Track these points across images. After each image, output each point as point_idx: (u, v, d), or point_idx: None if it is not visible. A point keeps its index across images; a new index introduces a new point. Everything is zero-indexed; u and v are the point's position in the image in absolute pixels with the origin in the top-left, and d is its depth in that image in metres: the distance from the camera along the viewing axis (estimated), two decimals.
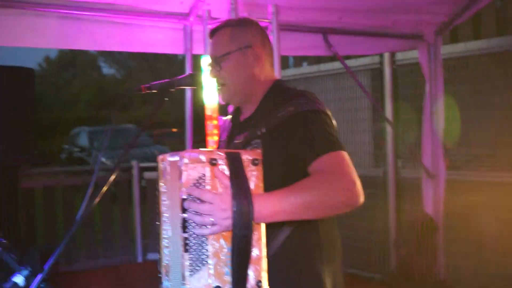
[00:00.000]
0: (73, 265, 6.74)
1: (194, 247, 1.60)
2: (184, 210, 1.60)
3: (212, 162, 1.60)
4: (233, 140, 2.02)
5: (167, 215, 1.77)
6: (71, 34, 3.71)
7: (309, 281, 1.91)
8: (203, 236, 1.59)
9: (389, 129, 5.64)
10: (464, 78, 5.27)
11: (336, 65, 6.12)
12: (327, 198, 1.66)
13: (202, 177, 1.60)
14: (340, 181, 1.69)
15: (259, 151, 1.68)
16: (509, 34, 5.52)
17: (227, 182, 1.58)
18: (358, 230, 5.69)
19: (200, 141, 4.30)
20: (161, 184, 1.79)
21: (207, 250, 1.60)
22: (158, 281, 1.80)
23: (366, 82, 5.95)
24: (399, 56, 5.64)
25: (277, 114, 1.88)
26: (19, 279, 1.63)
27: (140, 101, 24.17)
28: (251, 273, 1.61)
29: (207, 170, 1.60)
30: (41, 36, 3.62)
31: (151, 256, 7.17)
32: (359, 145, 6.01)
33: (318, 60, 6.92)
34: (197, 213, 1.59)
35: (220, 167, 1.61)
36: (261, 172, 1.66)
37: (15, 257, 1.71)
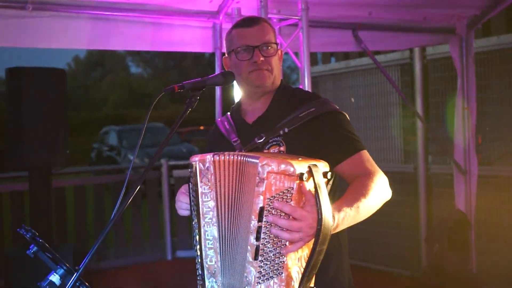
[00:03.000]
0: (102, 263, 6.81)
1: (267, 256, 1.61)
2: (260, 219, 1.60)
3: (302, 177, 1.58)
4: (248, 141, 2.01)
5: (211, 215, 1.76)
6: (103, 35, 3.75)
7: (343, 276, 2.02)
8: (279, 247, 1.61)
9: (419, 125, 5.57)
10: (497, 72, 5.17)
11: (365, 60, 6.07)
12: (381, 199, 1.85)
13: (289, 190, 1.59)
14: (383, 182, 1.87)
15: (325, 162, 1.71)
16: None
17: (312, 199, 1.60)
18: (387, 227, 5.63)
19: None
20: (201, 184, 1.77)
21: (283, 261, 1.60)
22: (197, 281, 1.79)
23: (395, 77, 5.88)
24: (430, 50, 5.56)
25: (299, 114, 1.95)
26: (55, 277, 1.64)
27: (168, 100, 24.34)
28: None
29: (295, 185, 1.59)
30: (74, 38, 3.67)
31: (180, 253, 7.21)
32: (389, 141, 5.95)
33: (346, 56, 6.88)
34: (278, 226, 1.59)
35: (307, 181, 1.60)
36: (329, 183, 1.73)
37: (51, 256, 1.71)
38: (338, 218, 1.67)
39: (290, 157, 1.69)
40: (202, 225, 1.77)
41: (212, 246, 1.75)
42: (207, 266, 1.77)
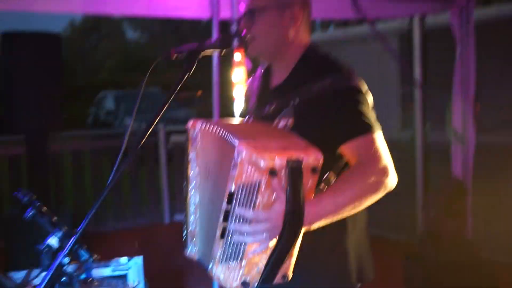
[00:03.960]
0: (101, 226, 6.86)
1: (231, 240, 1.58)
2: (229, 202, 1.56)
3: (272, 172, 1.51)
4: (263, 107, 1.97)
5: (195, 183, 1.77)
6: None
7: (334, 256, 1.89)
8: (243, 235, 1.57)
9: (417, 92, 5.56)
10: (497, 41, 5.14)
11: (364, 28, 6.02)
12: (368, 193, 1.70)
13: (258, 184, 1.53)
14: (378, 173, 1.71)
15: (320, 154, 1.58)
16: None
17: (283, 196, 1.53)
18: (385, 194, 5.65)
19: (225, 105, 4.29)
20: (190, 151, 1.78)
21: (245, 249, 1.58)
22: (184, 243, 1.82)
23: (394, 46, 5.84)
24: (429, 19, 5.50)
25: (312, 86, 1.82)
26: (53, 240, 1.65)
27: (166, 65, 24.15)
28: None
29: (264, 179, 1.52)
30: (67, 1, 3.61)
31: (178, 217, 7.27)
32: (387, 109, 5.94)
33: (345, 23, 6.82)
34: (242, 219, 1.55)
35: (279, 176, 1.52)
36: (317, 178, 1.60)
37: (48, 220, 1.72)
38: (312, 217, 1.59)
39: (283, 140, 1.62)
40: (189, 189, 1.79)
41: (194, 212, 1.78)
42: (189, 230, 1.80)
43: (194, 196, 1.78)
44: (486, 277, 4.07)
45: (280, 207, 1.53)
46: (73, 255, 1.61)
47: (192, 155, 1.78)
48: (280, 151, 1.53)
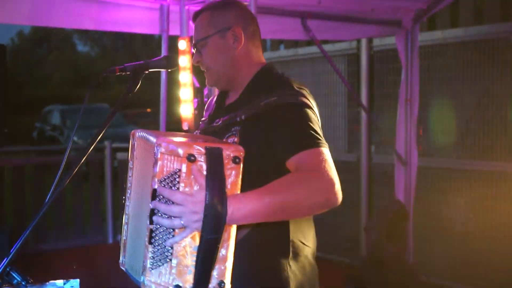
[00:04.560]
0: (42, 245, 6.66)
1: (159, 241, 1.53)
2: (153, 199, 1.52)
3: (190, 159, 1.50)
4: (212, 123, 1.97)
5: (130, 191, 1.76)
6: (46, 11, 3.61)
7: (268, 274, 1.84)
8: (170, 233, 1.53)
9: (363, 115, 5.66)
10: (440, 65, 5.30)
11: (313, 49, 6.11)
12: (305, 199, 1.59)
13: (177, 172, 1.51)
14: (319, 181, 1.61)
15: (242, 148, 1.57)
16: (486, 23, 5.56)
17: (203, 182, 1.50)
18: (328, 215, 5.70)
19: (174, 121, 4.27)
20: (129, 159, 1.78)
21: (171, 248, 1.53)
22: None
23: (342, 67, 5.95)
24: (377, 42, 5.64)
25: (259, 102, 1.80)
26: None
27: (115, 81, 23.89)
28: (214, 273, 1.55)
29: (184, 166, 1.51)
30: (15, 12, 3.52)
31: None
32: (334, 130, 6.02)
33: (295, 44, 6.90)
34: (166, 215, 1.51)
35: (198, 163, 1.51)
36: (240, 170, 1.56)
37: None
38: (234, 208, 1.50)
39: (206, 140, 1.61)
40: (125, 199, 1.78)
41: (126, 222, 1.76)
42: (122, 240, 1.79)
43: (128, 206, 1.76)
44: None
45: (199, 193, 1.49)
46: (5, 278, 1.55)
47: (130, 163, 1.77)
48: (200, 143, 1.54)
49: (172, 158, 1.50)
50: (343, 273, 4.86)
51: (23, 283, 1.57)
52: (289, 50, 6.79)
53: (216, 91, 2.18)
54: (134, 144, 1.75)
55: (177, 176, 1.51)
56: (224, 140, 1.87)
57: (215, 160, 1.51)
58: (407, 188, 4.92)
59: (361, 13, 4.61)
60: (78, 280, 1.86)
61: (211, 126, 1.96)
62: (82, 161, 1.67)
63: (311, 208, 1.64)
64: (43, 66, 32.60)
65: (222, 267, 1.56)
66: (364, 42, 5.68)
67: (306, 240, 1.92)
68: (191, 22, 2.11)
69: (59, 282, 1.85)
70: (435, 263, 5.12)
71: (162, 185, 1.51)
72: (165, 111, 4.18)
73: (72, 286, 1.85)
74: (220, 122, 1.92)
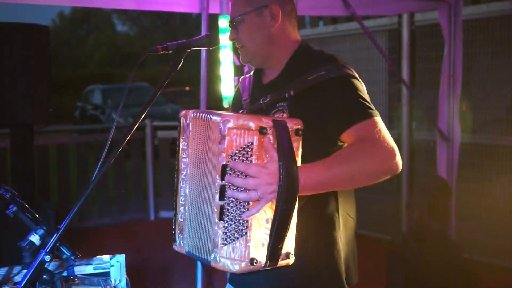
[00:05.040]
0: (86, 222, 6.83)
1: (231, 216, 1.56)
2: (223, 177, 1.55)
3: (262, 131, 1.54)
4: (256, 101, 1.96)
5: (186, 172, 1.73)
6: None
7: (323, 247, 1.85)
8: (243, 206, 1.56)
9: (404, 91, 5.57)
10: (484, 40, 5.16)
11: (353, 25, 6.02)
12: (371, 167, 1.66)
13: (249, 146, 1.54)
14: (381, 150, 1.67)
15: (299, 120, 1.62)
16: None
17: (274, 154, 1.55)
18: (369, 192, 5.69)
19: (213, 100, 4.29)
20: (181, 140, 1.75)
21: (247, 221, 1.55)
22: (172, 237, 1.78)
23: (383, 43, 5.85)
24: (418, 17, 5.52)
25: (307, 77, 1.81)
26: (35, 238, 1.63)
27: (154, 59, 24.07)
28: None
29: (255, 139, 1.54)
30: None
31: (163, 214, 7.25)
32: (375, 106, 5.95)
33: (334, 20, 6.82)
34: (237, 187, 1.54)
35: (268, 136, 1.55)
36: (300, 142, 1.61)
37: (31, 216, 1.71)
38: (305, 177, 1.56)
39: (265, 116, 1.65)
40: (179, 180, 1.75)
41: (183, 203, 1.74)
42: (178, 222, 1.76)
43: (183, 187, 1.74)
44: (468, 277, 4.10)
45: (273, 165, 1.54)
46: (55, 253, 1.59)
47: (183, 144, 1.74)
48: (264, 117, 1.58)
49: (242, 132, 1.53)
50: (384, 250, 4.84)
51: (72, 257, 1.61)
52: (329, 26, 6.73)
53: (246, 70, 2.18)
54: (189, 124, 1.73)
55: (249, 149, 1.54)
56: (271, 114, 1.88)
57: (284, 132, 1.55)
58: (449, 165, 4.85)
59: None
60: (123, 255, 1.91)
61: (258, 104, 1.94)
62: (126, 140, 1.69)
63: (376, 175, 1.69)
64: (84, 46, 33.08)
65: (291, 238, 1.61)
66: (405, 17, 5.56)
67: (351, 212, 1.95)
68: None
69: (106, 257, 1.90)
70: (477, 240, 5.06)
71: (233, 159, 1.54)
72: (205, 89, 4.20)
73: (118, 261, 1.90)
74: (268, 99, 1.90)
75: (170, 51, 1.85)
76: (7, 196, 1.74)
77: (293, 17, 2.00)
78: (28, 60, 4.29)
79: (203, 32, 3.97)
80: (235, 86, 3.61)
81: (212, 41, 1.95)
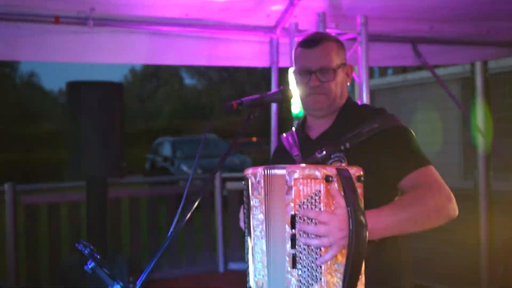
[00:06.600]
0: (156, 273, 6.85)
1: (304, 263, 1.60)
2: (293, 226, 1.59)
3: (328, 179, 1.59)
4: (311, 155, 1.99)
5: (260, 229, 1.74)
6: (160, 50, 3.80)
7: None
8: (316, 253, 1.59)
9: (480, 139, 5.39)
10: None
11: (423, 74, 5.95)
12: (432, 212, 1.74)
13: (317, 194, 1.59)
14: (440, 195, 1.76)
15: (360, 168, 1.68)
16: None
17: (341, 200, 1.58)
18: (447, 245, 5.48)
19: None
20: (252, 198, 1.76)
21: (320, 267, 1.59)
22: None
23: (455, 91, 5.73)
24: (492, 64, 5.38)
25: (361, 130, 1.91)
26: None
27: (221, 111, 24.53)
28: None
29: (322, 187, 1.59)
30: (132, 53, 3.73)
31: (232, 265, 7.19)
32: (448, 156, 5.79)
33: (403, 69, 6.76)
34: (309, 234, 1.59)
35: (334, 184, 1.60)
36: (362, 188, 1.66)
37: (108, 272, 1.73)
38: (373, 222, 1.62)
39: (323, 165, 1.70)
40: (252, 238, 1.77)
41: (261, 260, 1.74)
42: (256, 279, 1.76)
43: (259, 244, 1.75)
44: None
45: (342, 211, 1.58)
46: None
47: (254, 202, 1.76)
48: (327, 166, 1.66)
49: (308, 181, 1.59)
50: None
51: None
52: (398, 76, 6.66)
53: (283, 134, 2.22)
54: (259, 181, 1.74)
55: (317, 197, 1.60)
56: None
57: (348, 179, 1.61)
58: None
59: (475, 35, 4.43)
60: None
61: (314, 157, 1.98)
62: (201, 193, 1.79)
63: (437, 220, 1.76)
64: (154, 99, 34.17)
65: (362, 281, 1.63)
66: (478, 64, 5.43)
67: (409, 259, 2.03)
68: None
69: None
70: None
71: (302, 208, 1.59)
72: (276, 140, 4.20)
73: None
74: (324, 152, 1.95)
75: (244, 107, 1.88)
76: (86, 252, 1.77)
77: None
78: (104, 116, 4.45)
79: (274, 86, 4.01)
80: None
81: (285, 95, 1.97)
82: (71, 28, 3.46)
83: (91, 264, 1.75)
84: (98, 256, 1.78)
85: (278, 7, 3.67)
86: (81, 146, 4.40)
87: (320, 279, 1.58)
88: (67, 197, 6.55)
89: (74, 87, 4.49)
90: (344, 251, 1.59)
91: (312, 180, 1.59)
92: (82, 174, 4.50)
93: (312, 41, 2.05)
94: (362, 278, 1.64)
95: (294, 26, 3.66)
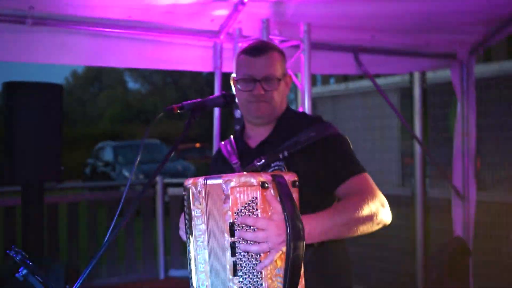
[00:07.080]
0: (94, 280, 6.70)
1: (244, 270, 1.61)
2: (232, 234, 1.61)
3: (264, 186, 1.61)
4: (250, 163, 2.02)
5: (202, 239, 1.74)
6: (102, 52, 3.73)
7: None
8: (256, 259, 1.61)
9: (417, 148, 5.54)
10: (497, 98, 5.16)
11: (364, 83, 6.07)
12: (368, 218, 1.81)
13: (254, 201, 1.61)
14: (375, 201, 1.85)
15: (294, 173, 1.72)
16: None
17: (278, 206, 1.61)
18: (384, 250, 5.59)
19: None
20: (193, 208, 1.75)
21: (261, 273, 1.61)
22: None
23: (394, 101, 5.87)
24: (430, 75, 5.55)
25: (299, 139, 1.98)
26: None
27: (165, 116, 24.32)
28: None
29: (259, 194, 1.61)
30: (72, 53, 3.65)
31: (173, 272, 7.12)
32: (387, 164, 5.92)
33: (345, 78, 6.88)
34: (248, 241, 1.60)
35: (269, 190, 1.62)
36: (297, 194, 1.70)
37: (41, 280, 1.68)
38: (310, 226, 1.66)
39: (259, 173, 1.72)
40: (195, 248, 1.76)
41: (204, 269, 1.74)
42: None
43: (202, 254, 1.74)
44: None
45: (278, 216, 1.61)
46: None
47: (196, 212, 1.75)
48: (262, 173, 1.68)
49: (245, 189, 1.61)
50: None
51: None
52: (340, 84, 6.77)
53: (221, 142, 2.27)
54: (200, 191, 1.74)
55: (254, 204, 1.61)
56: None
57: (283, 185, 1.64)
58: (466, 223, 4.76)
59: (415, 46, 4.56)
60: None
61: (253, 165, 2.01)
62: (139, 198, 1.94)
63: (372, 225, 1.84)
64: (96, 103, 33.54)
65: (300, 285, 1.66)
66: (417, 75, 5.59)
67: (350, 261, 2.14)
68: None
69: None
70: None
71: (240, 215, 1.60)
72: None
73: None
74: (262, 161, 2.00)
75: (185, 110, 1.88)
76: (17, 258, 1.72)
77: None
78: (41, 118, 4.33)
79: (217, 91, 4.00)
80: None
81: (227, 100, 1.98)
82: (9, 26, 3.35)
83: (23, 271, 1.70)
84: (31, 263, 1.73)
85: (222, 12, 3.66)
86: (16, 150, 4.26)
87: (261, 284, 1.60)
88: (2, 202, 6.34)
89: (10, 88, 4.35)
90: (283, 256, 1.61)
91: (249, 188, 1.61)
92: (16, 179, 4.36)
93: (258, 50, 2.07)
94: (302, 281, 1.67)
95: (238, 32, 3.67)
